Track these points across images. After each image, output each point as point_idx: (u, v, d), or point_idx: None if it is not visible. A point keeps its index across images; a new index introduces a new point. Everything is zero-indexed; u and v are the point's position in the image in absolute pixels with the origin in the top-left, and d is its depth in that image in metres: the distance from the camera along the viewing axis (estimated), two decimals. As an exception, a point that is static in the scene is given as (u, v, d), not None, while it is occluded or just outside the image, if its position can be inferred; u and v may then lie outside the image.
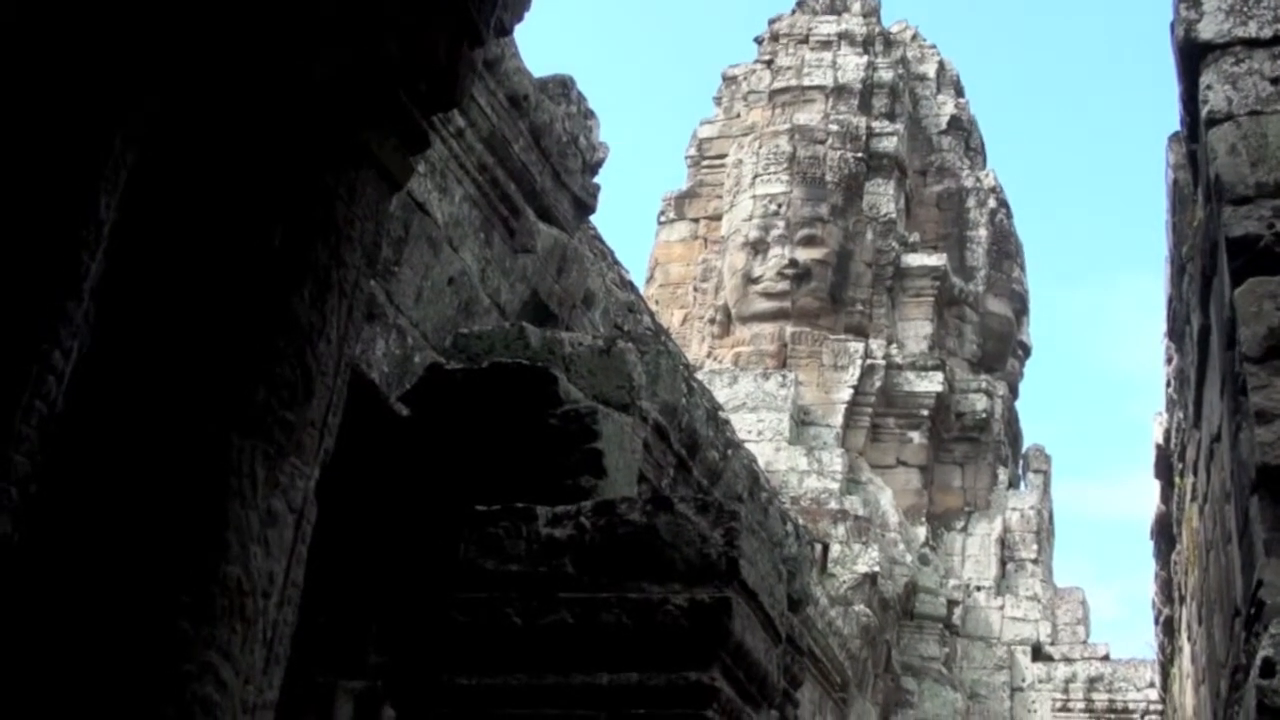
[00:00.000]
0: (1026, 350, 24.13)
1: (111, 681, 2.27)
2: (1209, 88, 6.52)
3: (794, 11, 24.56)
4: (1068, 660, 19.71)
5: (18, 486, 2.07)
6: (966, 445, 21.40)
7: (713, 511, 4.41)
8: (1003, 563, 20.73)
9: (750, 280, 21.13)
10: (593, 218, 9.31)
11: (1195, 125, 6.89)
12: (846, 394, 20.16)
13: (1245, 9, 6.56)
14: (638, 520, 4.44)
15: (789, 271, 20.84)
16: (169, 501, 2.45)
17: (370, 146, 3.00)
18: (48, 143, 2.24)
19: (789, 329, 20.75)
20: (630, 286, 10.18)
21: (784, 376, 19.87)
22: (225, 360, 2.61)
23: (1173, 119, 9.12)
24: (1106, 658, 19.77)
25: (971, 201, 23.42)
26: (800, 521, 10.46)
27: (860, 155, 21.84)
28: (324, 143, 2.85)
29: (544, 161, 7.85)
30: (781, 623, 4.92)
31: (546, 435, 5.04)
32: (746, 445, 9.44)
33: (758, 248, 21.13)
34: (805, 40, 23.68)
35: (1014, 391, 23.43)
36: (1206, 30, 6.57)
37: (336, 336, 3.02)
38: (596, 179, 8.62)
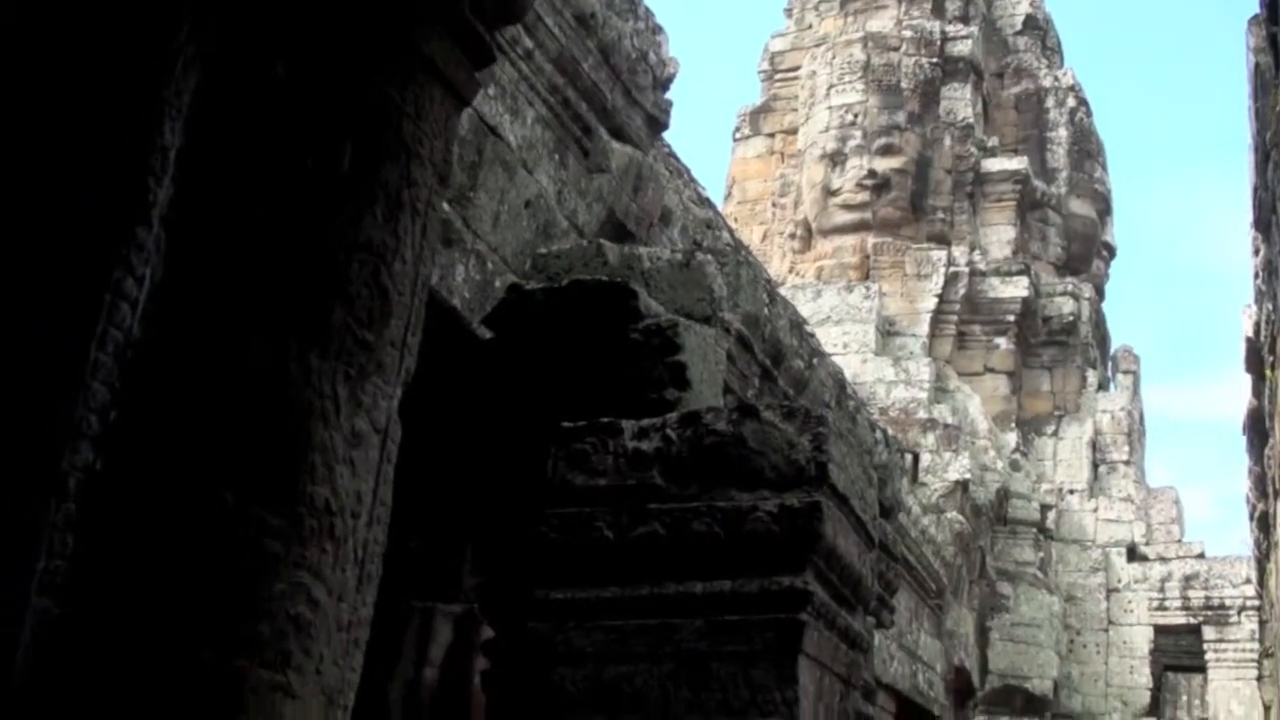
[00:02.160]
0: (1111, 251, 23.74)
1: (204, 603, 2.30)
2: (1291, -36, 6.31)
3: (862, -84, 24.09)
4: (1163, 560, 19.56)
5: (97, 414, 2.08)
6: (1054, 349, 21.17)
7: (799, 417, 4.37)
8: (1094, 465, 20.56)
9: (829, 193, 20.94)
10: (667, 136, 9.24)
11: (1275, 7, 6.69)
12: (931, 303, 19.98)
13: (1327, -121, 6.32)
14: (724, 429, 4.41)
15: (868, 182, 20.63)
16: (251, 425, 2.46)
17: (435, 62, 2.97)
18: (109, 71, 2.24)
19: (870, 240, 20.56)
20: (708, 203, 10.10)
21: (867, 288, 19.71)
22: (300, 284, 2.61)
23: (1252, 1, 8.87)
24: (1201, 555, 19.60)
25: (1050, 102, 22.97)
26: (889, 431, 10.39)
27: (935, 60, 21.48)
28: (388, 60, 2.83)
29: (614, 79, 7.78)
30: (874, 527, 4.89)
31: (629, 350, 5.02)
32: (833, 359, 9.37)
33: (835, 159, 20.91)
34: (876, -56, 23.26)
35: (1100, 293, 23.07)
36: (1287, -97, 6.35)
37: (412, 256, 3.01)
38: (668, 95, 8.55)
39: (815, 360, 6.39)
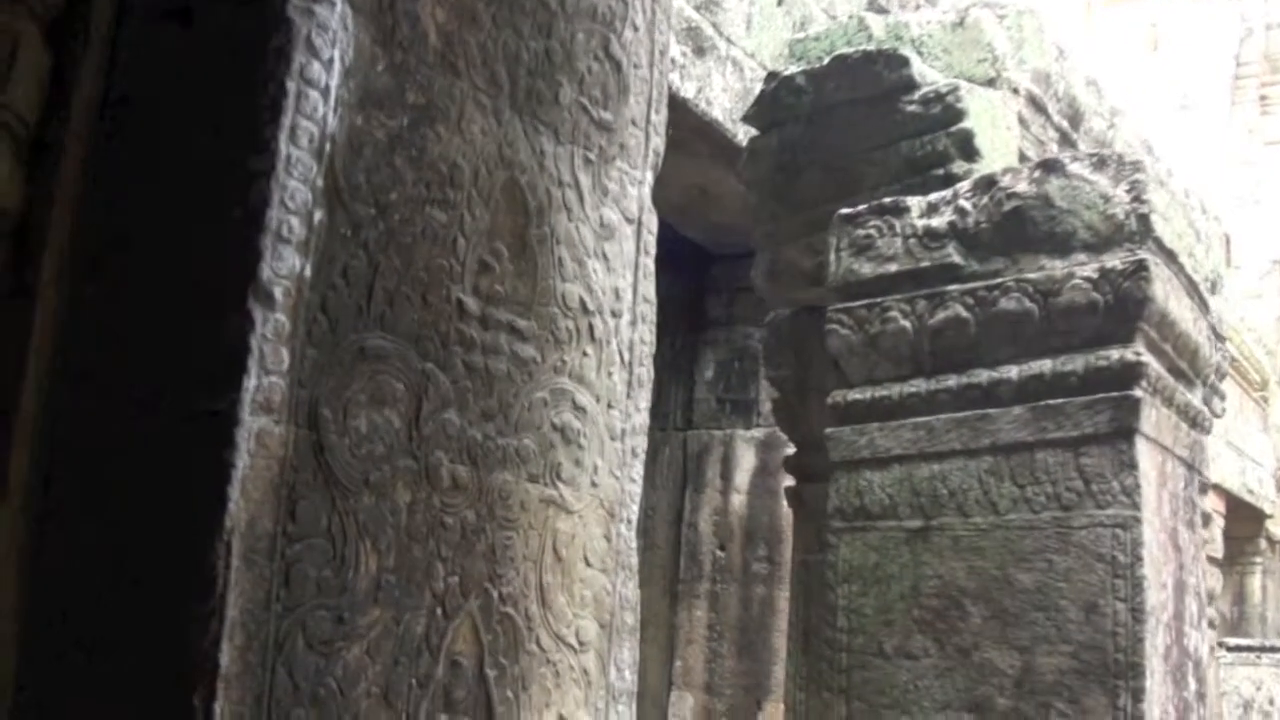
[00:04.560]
0: None
1: (454, 416, 2.03)
2: None
3: None
4: None
5: (298, 216, 1.80)
6: (1370, 98, 19.51)
7: (1112, 166, 3.81)
8: None
9: (1103, -38, 19.64)
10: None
11: None
12: (1228, 66, 18.58)
13: None
14: (1025, 191, 3.90)
15: (1145, -56, 19.24)
16: (485, 219, 2.16)
17: None
18: None
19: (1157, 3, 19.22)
20: (976, -21, 9.40)
21: (1157, 56, 18.45)
22: (523, 61, 2.28)
23: None
24: None
25: None
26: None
27: None
28: None
29: None
30: (1206, 288, 4.33)
31: (906, 124, 4.53)
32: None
33: (1107, -77, 19.59)
34: None
35: None
36: None
37: (644, 22, 2.67)
38: None
39: (1117, 119, 5.76)
